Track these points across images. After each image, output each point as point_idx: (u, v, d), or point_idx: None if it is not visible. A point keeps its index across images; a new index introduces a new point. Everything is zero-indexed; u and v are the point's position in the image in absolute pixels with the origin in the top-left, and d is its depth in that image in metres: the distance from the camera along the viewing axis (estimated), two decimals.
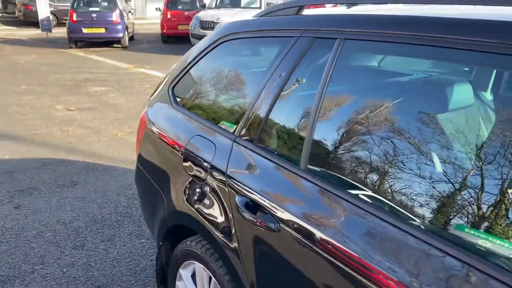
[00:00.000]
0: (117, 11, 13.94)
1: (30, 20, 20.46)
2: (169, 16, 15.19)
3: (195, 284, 1.98)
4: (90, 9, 14.06)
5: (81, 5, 14.37)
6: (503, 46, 1.03)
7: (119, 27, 13.84)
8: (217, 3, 14.14)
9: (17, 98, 7.34)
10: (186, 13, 15.12)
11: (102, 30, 13.76)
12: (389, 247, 1.13)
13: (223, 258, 1.71)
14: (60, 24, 19.92)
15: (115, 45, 14.38)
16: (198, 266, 1.89)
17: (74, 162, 4.64)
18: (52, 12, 19.56)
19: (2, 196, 3.84)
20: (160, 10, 16.48)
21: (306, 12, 1.74)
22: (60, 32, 16.81)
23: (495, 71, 1.42)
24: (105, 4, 14.30)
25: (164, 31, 15.20)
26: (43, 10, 15.78)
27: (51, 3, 20.25)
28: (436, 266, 1.01)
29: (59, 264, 2.91)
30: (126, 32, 14.11)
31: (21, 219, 3.46)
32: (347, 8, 1.79)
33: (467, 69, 1.43)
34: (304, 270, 1.34)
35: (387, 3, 1.71)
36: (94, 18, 13.73)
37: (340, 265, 1.20)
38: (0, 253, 3.02)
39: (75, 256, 2.99)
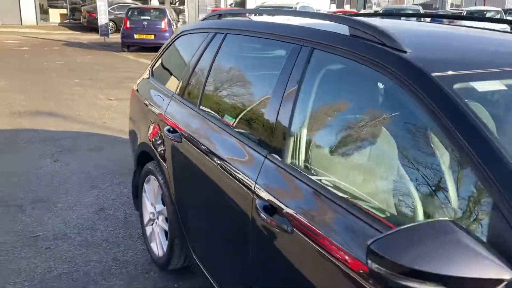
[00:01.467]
0: (166, 20, 15.43)
1: (93, 26, 22.41)
2: None
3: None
4: (142, 17, 15.64)
5: (135, 13, 16.01)
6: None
7: (167, 34, 15.29)
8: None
9: (69, 89, 8.76)
10: None
11: (152, 37, 15.28)
12: (231, 152, 2.12)
13: (161, 170, 2.76)
14: (118, 30, 21.69)
15: None
16: (152, 178, 2.95)
17: (104, 135, 5.85)
18: (112, 20, 21.52)
19: (46, 154, 5.08)
20: None
21: (223, 18, 2.77)
22: (117, 37, 18.50)
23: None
24: (156, 13, 15.86)
25: None
26: (102, 17, 17.59)
27: (112, 11, 22.24)
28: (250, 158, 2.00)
29: (77, 196, 4.06)
30: None
31: (57, 168, 4.67)
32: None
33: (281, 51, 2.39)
34: (194, 166, 2.36)
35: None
36: (145, 26, 15.27)
37: (209, 160, 2.21)
38: (40, 186, 4.21)
39: (89, 192, 4.14)
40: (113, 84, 9.52)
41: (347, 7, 29.56)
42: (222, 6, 33.41)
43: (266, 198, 1.72)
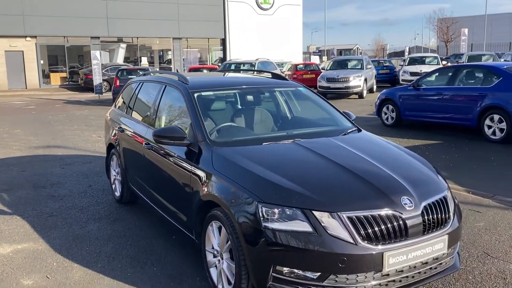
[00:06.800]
0: None
1: (89, 86, 25.75)
2: None
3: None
4: (130, 77, 18.81)
5: (124, 73, 19.24)
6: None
7: None
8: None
9: (70, 132, 11.69)
10: None
11: None
12: (140, 130, 4.95)
13: (118, 152, 5.58)
14: (111, 88, 25.01)
15: None
16: (114, 156, 5.78)
17: (94, 156, 8.69)
18: (106, 80, 24.83)
19: (56, 165, 7.91)
20: None
21: (147, 74, 5.68)
22: (109, 94, 21.71)
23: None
24: (141, 73, 19.10)
25: None
26: (97, 78, 20.84)
27: (106, 72, 25.62)
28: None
29: (76, 181, 6.85)
30: None
31: (64, 171, 7.48)
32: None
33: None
34: (127, 142, 5.20)
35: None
36: None
37: (132, 137, 5.07)
38: (54, 178, 7.01)
39: (84, 179, 6.94)
40: (103, 127, 12.42)
41: (314, 59, 33.45)
42: (209, 63, 37.12)
43: (148, 140, 4.56)
